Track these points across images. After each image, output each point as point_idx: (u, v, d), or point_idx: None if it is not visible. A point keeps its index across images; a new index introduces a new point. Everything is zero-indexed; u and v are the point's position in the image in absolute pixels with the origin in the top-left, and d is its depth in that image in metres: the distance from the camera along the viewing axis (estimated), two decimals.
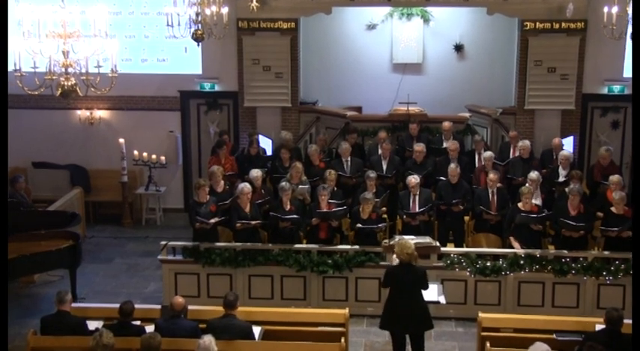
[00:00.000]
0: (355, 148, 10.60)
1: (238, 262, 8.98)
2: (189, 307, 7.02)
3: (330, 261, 8.86)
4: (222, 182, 9.57)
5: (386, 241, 8.87)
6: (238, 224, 8.92)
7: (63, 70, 6.14)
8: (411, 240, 7.88)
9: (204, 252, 9.02)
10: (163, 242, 9.21)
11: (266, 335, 7.08)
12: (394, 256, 7.36)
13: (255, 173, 9.52)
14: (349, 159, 10.30)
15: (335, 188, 9.57)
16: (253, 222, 8.94)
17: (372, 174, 9.50)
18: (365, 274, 8.84)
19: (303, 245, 9.08)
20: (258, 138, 11.27)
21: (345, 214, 9.11)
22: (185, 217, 10.61)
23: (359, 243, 8.97)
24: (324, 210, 8.92)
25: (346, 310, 7.56)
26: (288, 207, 9.07)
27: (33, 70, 6.03)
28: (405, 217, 9.16)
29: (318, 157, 10.37)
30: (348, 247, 9.03)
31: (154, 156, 12.31)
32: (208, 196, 9.07)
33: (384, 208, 9.54)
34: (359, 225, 8.88)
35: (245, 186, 9.02)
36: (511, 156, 10.47)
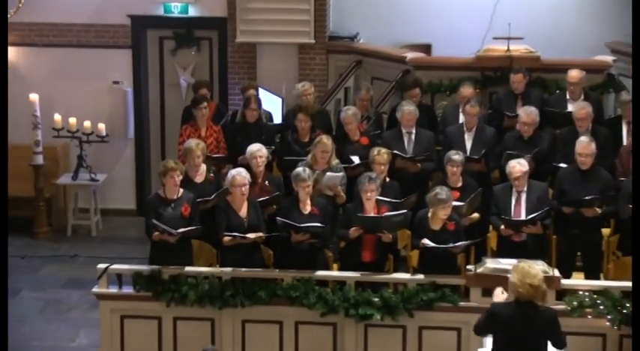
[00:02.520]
0: (422, 112, 10.61)
1: (225, 299, 8.98)
2: None
3: (377, 299, 8.87)
4: (203, 167, 9.66)
5: (471, 267, 8.87)
6: (227, 238, 8.94)
7: None
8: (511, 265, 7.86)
9: (169, 282, 9.06)
10: (102, 265, 9.19)
11: None
12: (498, 290, 7.48)
13: (256, 153, 9.62)
14: (413, 130, 10.35)
15: (388, 179, 9.59)
16: (251, 235, 8.96)
17: (456, 155, 9.62)
18: (434, 321, 8.85)
19: (333, 273, 9.15)
20: (258, 95, 11.31)
21: (405, 221, 9.18)
22: (139, 224, 10.67)
23: (425, 270, 9.00)
24: (371, 214, 8.89)
25: None
26: (309, 209, 9.14)
27: None
28: (503, 227, 9.14)
29: (358, 127, 10.42)
30: (408, 276, 9.08)
31: (87, 123, 12.45)
32: (181, 190, 9.15)
33: (475, 215, 9.62)
34: (427, 242, 8.87)
35: (238, 174, 9.08)
36: None
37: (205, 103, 10.77)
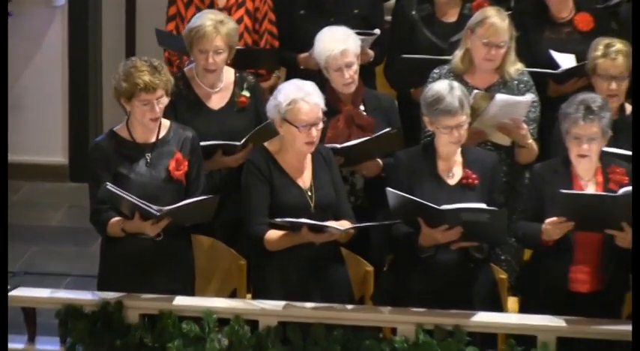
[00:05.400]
0: None
1: None
2: None
3: None
4: (230, 76, 9.24)
5: None
6: (273, 232, 8.28)
7: None
8: None
9: (139, 329, 8.29)
10: None
11: None
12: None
13: (339, 57, 9.02)
14: None
15: (629, 108, 9.43)
16: (334, 225, 8.25)
17: None
18: None
19: (511, 317, 8.45)
20: None
21: None
22: (76, 198, 11.00)
23: None
24: (588, 191, 8.45)
25: None
26: (459, 174, 8.52)
27: None
28: None
29: None
30: None
31: None
32: (166, 124, 8.64)
33: None
34: None
35: (304, 98, 8.37)
36: None
37: None
